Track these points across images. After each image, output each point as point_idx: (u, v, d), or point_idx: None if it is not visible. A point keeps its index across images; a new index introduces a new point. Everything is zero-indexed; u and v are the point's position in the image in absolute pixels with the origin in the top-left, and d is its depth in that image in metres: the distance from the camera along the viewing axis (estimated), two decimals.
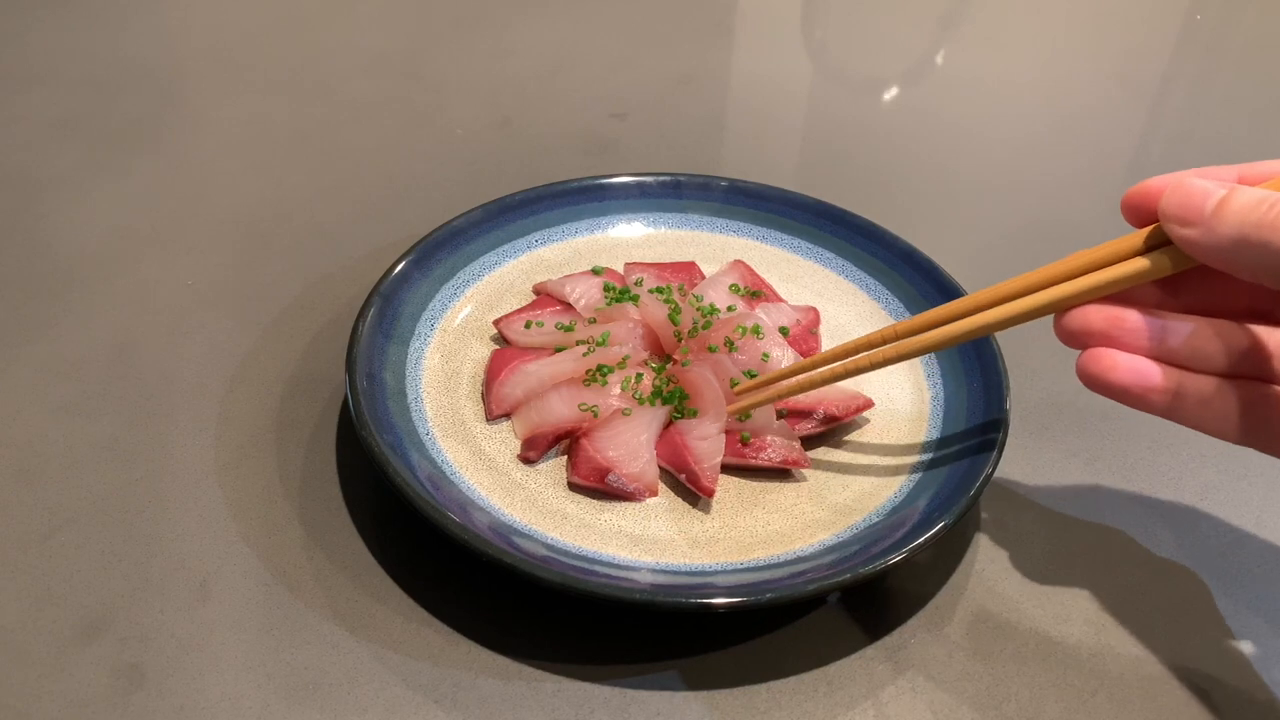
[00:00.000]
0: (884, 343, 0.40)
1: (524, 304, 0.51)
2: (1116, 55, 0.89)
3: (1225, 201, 0.31)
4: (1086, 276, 0.35)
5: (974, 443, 0.43)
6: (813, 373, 0.42)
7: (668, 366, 0.47)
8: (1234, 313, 0.35)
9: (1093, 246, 0.35)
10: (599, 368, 0.46)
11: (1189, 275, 0.34)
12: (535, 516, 0.41)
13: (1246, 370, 0.34)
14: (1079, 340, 0.34)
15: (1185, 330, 0.34)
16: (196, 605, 0.39)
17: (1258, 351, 0.34)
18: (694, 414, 0.44)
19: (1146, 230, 0.34)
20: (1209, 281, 0.34)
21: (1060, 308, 0.35)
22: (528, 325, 0.49)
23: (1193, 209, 0.32)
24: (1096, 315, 0.34)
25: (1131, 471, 0.46)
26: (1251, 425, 0.34)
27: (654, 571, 0.39)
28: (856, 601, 0.40)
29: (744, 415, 0.44)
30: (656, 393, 0.45)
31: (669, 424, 0.45)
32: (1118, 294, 0.34)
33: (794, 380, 0.42)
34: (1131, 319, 0.34)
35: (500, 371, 0.46)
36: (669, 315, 0.47)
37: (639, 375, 0.46)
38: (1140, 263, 0.34)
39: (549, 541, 0.39)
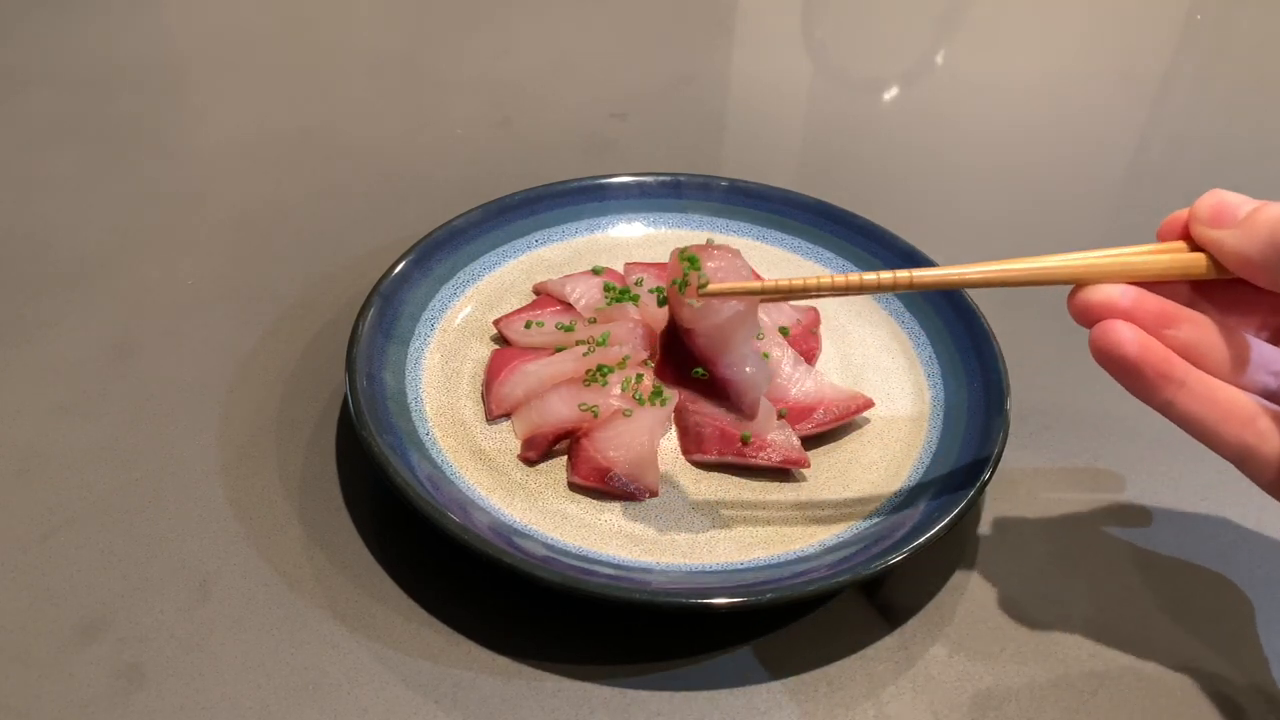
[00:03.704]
0: (896, 284, 0.37)
1: (524, 304, 0.51)
2: (1116, 55, 0.89)
3: (1260, 209, 0.32)
4: (1114, 258, 0.34)
5: (974, 443, 0.43)
6: (794, 280, 0.38)
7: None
8: (1247, 329, 0.35)
9: (1098, 248, 0.35)
10: (599, 368, 0.46)
11: (1206, 290, 0.35)
12: (535, 516, 0.41)
13: (1248, 382, 0.34)
14: (1094, 314, 0.34)
15: (1200, 324, 0.34)
16: (196, 605, 0.39)
17: (1264, 364, 0.34)
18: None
19: (1175, 242, 0.35)
20: (1227, 295, 0.35)
21: (1080, 280, 0.34)
22: (528, 325, 0.49)
23: (1227, 213, 0.33)
24: (1115, 291, 0.34)
25: (1131, 471, 0.46)
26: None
27: (654, 571, 0.39)
28: (856, 601, 0.40)
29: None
30: (657, 392, 0.45)
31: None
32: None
33: (771, 282, 0.38)
34: (1150, 301, 0.33)
35: (500, 371, 0.46)
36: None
37: (639, 375, 0.46)
38: (1169, 259, 0.34)
39: (549, 541, 0.39)
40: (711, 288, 0.38)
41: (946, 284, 0.37)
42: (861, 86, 0.82)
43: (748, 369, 0.41)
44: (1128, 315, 0.33)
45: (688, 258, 0.40)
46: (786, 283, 0.37)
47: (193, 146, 0.68)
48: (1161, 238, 0.35)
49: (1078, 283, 0.35)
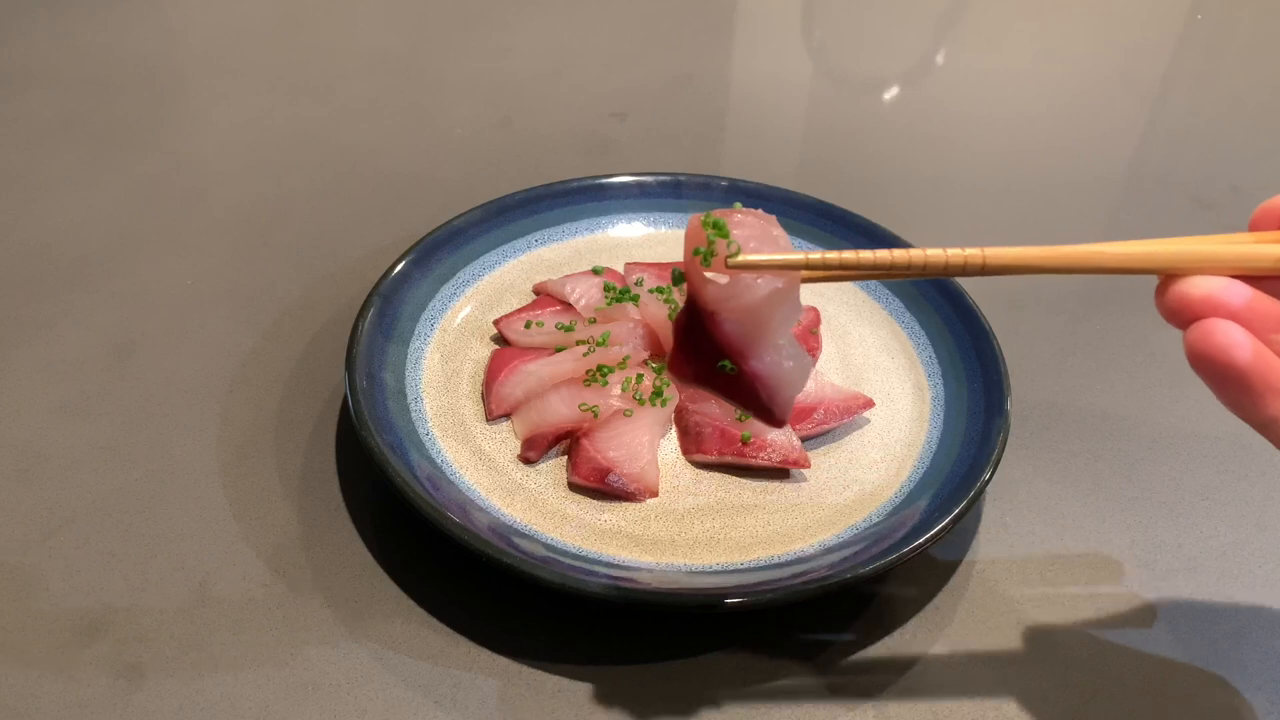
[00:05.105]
0: (967, 265, 0.31)
1: (524, 304, 0.51)
2: (1117, 55, 0.89)
3: None
4: (1216, 247, 0.30)
5: (974, 443, 0.43)
6: (845, 253, 0.32)
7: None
8: None
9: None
10: (599, 368, 0.46)
11: None
12: (535, 517, 0.41)
13: None
14: (1194, 310, 0.29)
15: None
16: (196, 605, 0.39)
17: None
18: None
19: (1275, 232, 0.30)
20: None
21: (1173, 270, 0.29)
22: (528, 325, 0.49)
23: None
24: (1219, 284, 0.28)
25: (1131, 471, 0.46)
26: None
27: (654, 572, 0.39)
28: (857, 601, 0.40)
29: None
30: (657, 393, 0.45)
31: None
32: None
33: (817, 254, 0.32)
34: (1265, 302, 0.28)
35: (500, 371, 0.46)
36: (669, 315, 0.47)
37: (639, 375, 0.46)
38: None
39: (549, 542, 0.39)
40: (743, 259, 0.31)
41: (1024, 266, 0.31)
42: (861, 86, 0.82)
43: (786, 363, 0.34)
44: (1235, 316, 0.28)
45: (713, 223, 0.33)
46: (836, 256, 0.31)
47: (193, 146, 0.67)
48: (1256, 227, 0.30)
49: (1170, 273, 0.30)
